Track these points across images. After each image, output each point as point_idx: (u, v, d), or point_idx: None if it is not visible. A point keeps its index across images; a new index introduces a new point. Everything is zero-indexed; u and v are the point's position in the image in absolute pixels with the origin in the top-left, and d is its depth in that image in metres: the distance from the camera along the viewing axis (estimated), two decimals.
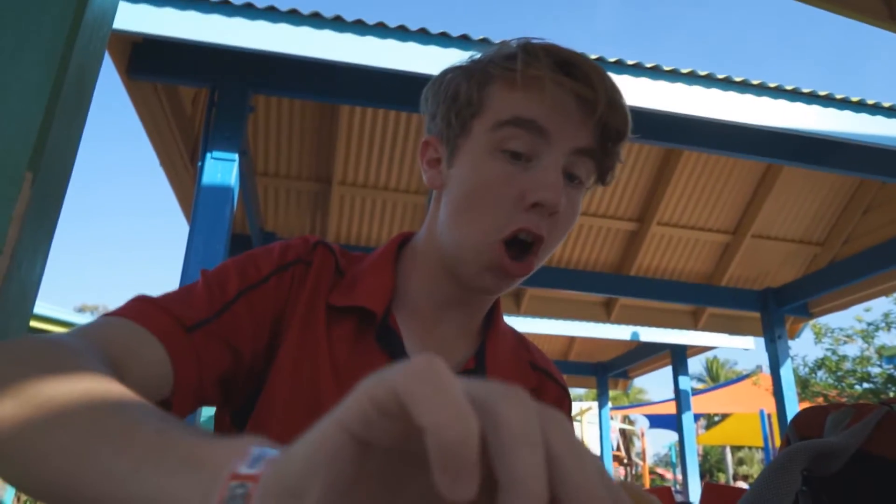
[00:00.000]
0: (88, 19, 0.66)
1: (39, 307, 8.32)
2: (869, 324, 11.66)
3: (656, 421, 13.62)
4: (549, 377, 0.81)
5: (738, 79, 3.22)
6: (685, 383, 7.96)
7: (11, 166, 0.58)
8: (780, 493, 0.89)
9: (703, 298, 5.87)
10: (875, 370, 11.75)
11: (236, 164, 2.90)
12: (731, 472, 24.39)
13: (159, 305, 0.59)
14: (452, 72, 0.73)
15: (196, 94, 3.68)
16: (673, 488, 9.65)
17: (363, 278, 0.72)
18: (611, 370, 9.06)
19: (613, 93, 0.67)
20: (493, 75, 0.69)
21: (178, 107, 3.53)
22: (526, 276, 0.68)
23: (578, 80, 0.66)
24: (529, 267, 0.68)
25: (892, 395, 11.01)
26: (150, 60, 2.95)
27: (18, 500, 8.29)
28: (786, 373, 5.64)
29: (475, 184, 0.67)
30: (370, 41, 2.81)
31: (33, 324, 8.18)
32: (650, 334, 7.29)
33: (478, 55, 0.73)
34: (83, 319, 9.19)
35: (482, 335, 0.77)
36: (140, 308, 0.58)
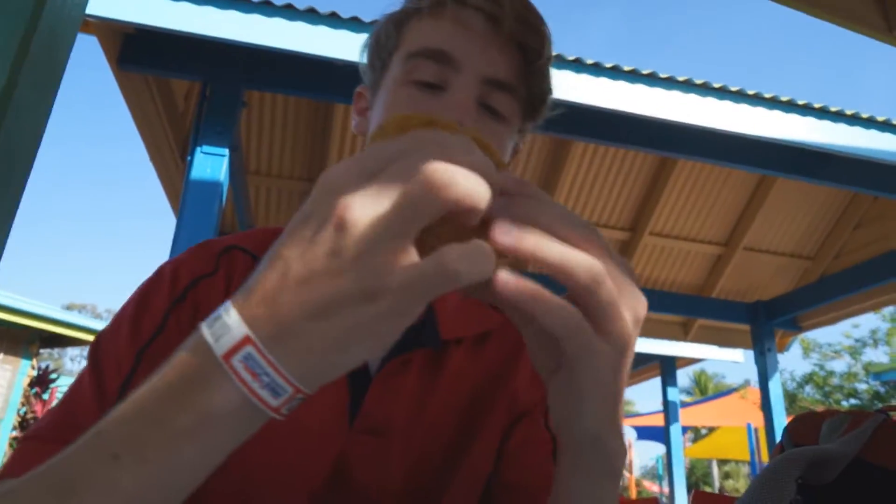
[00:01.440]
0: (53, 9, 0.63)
1: (27, 304, 8.21)
2: (856, 340, 11.75)
3: (643, 433, 13.59)
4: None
5: (733, 88, 3.22)
6: (674, 395, 7.95)
7: None
8: (774, 501, 0.86)
9: (693, 310, 5.87)
10: (862, 386, 11.81)
11: (226, 160, 2.86)
12: (717, 485, 24.40)
13: (42, 441, 0.51)
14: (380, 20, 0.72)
15: (188, 89, 3.64)
16: (660, 500, 9.61)
17: None
18: None
19: (523, 8, 0.64)
20: (408, 11, 0.67)
21: (169, 101, 3.48)
22: None
23: None
24: None
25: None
26: (141, 52, 2.91)
27: None
28: (774, 386, 5.64)
29: (382, 114, 0.65)
30: (365, 38, 2.78)
31: (21, 321, 8.06)
32: (640, 345, 7.27)
33: None
34: (70, 317, 9.08)
35: None
36: (20, 461, 0.50)
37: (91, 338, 9.48)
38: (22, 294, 8.26)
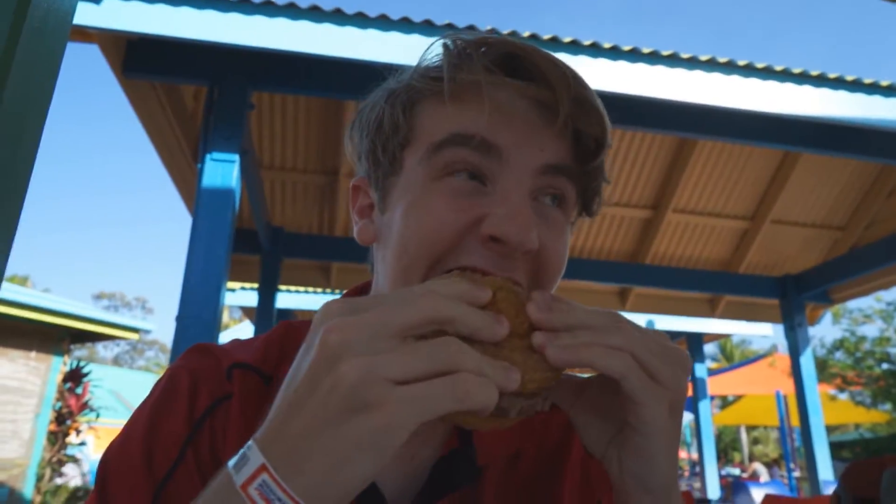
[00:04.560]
0: (36, 17, 0.57)
1: (56, 303, 8.32)
2: (888, 303, 11.46)
3: None
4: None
5: (759, 65, 3.06)
6: (701, 371, 7.87)
7: None
8: None
9: (720, 286, 5.75)
10: (895, 351, 11.57)
11: (237, 165, 2.81)
12: (746, 451, 24.33)
13: None
14: (374, 97, 0.59)
15: (197, 89, 3.58)
16: (689, 488, 9.64)
17: None
18: None
19: (579, 88, 0.51)
20: (419, 90, 0.54)
21: (178, 104, 3.43)
22: None
23: (529, 78, 0.50)
24: None
25: None
26: (145, 59, 2.84)
27: (38, 490, 8.41)
28: (806, 361, 5.52)
29: (412, 222, 0.52)
30: (372, 34, 2.69)
31: (51, 320, 8.17)
32: (666, 322, 7.17)
33: (404, 70, 0.58)
34: (99, 314, 9.19)
35: None
36: None
37: (120, 334, 9.62)
38: (53, 285, 8.36)
